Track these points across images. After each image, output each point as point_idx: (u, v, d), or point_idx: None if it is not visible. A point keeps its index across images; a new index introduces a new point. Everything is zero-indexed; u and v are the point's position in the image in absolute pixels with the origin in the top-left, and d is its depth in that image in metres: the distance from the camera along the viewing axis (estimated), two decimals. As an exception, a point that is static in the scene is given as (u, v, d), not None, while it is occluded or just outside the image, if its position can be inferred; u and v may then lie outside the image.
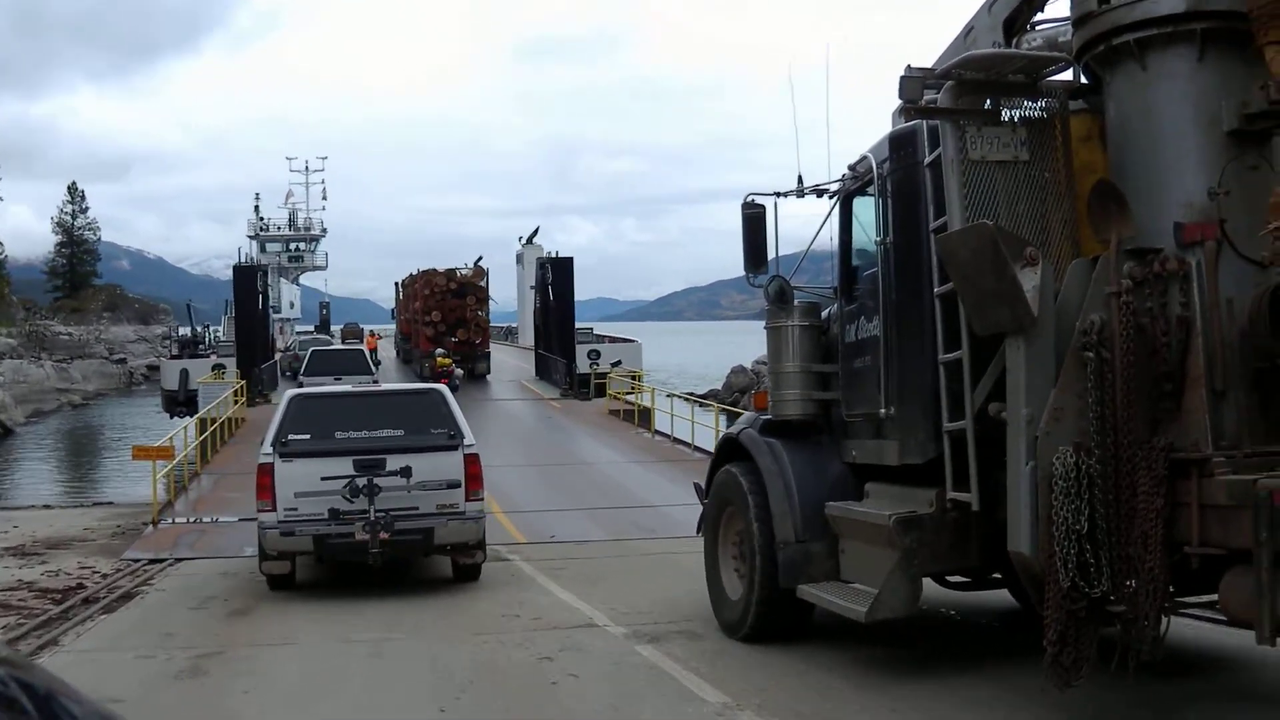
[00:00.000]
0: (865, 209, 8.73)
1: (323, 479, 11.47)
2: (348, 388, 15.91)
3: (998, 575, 8.74)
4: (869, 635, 8.49)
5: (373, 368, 34.94)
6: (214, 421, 25.81)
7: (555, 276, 43.03)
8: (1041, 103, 7.43)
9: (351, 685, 8.36)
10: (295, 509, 11.54)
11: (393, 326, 67.14)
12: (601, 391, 35.15)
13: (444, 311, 44.22)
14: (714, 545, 9.88)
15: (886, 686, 7.83)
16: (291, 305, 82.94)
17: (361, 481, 11.43)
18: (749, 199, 9.46)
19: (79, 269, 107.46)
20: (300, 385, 29.06)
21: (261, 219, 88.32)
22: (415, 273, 51.79)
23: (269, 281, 54.06)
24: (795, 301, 9.39)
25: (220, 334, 54.84)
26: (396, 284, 63.70)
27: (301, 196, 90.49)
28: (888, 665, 8.38)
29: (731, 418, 20.03)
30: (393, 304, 68.64)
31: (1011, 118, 7.36)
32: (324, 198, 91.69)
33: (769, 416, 9.42)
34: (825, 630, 9.01)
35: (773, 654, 8.74)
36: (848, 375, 8.85)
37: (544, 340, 44.12)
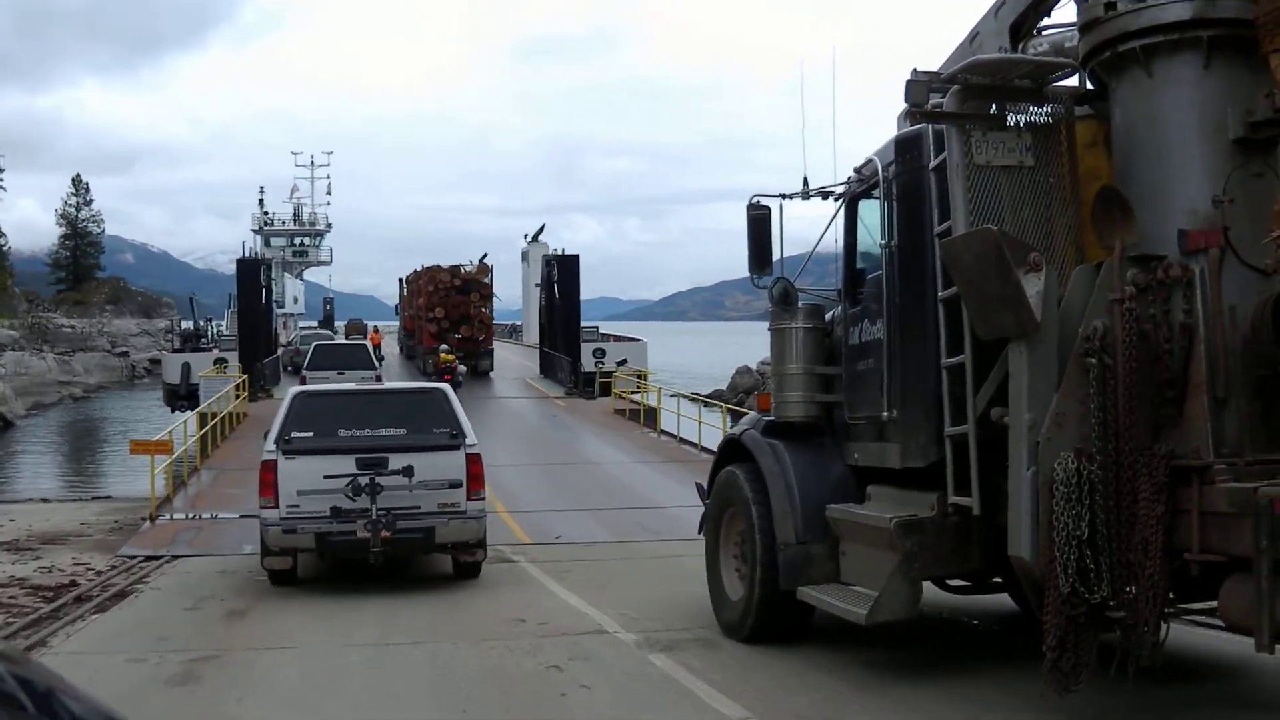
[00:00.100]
0: (870, 212, 8.74)
1: (325, 477, 11.50)
2: (351, 386, 15.91)
3: (998, 579, 8.74)
4: (879, 639, 8.48)
5: (375, 362, 34.98)
6: (214, 416, 25.69)
7: (561, 273, 42.89)
8: (1047, 108, 7.45)
9: (352, 696, 7.99)
10: (298, 506, 11.57)
11: (397, 323, 67.12)
12: (607, 390, 35.00)
13: (448, 308, 44.22)
14: (715, 546, 9.88)
15: (891, 689, 7.81)
16: (295, 300, 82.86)
17: (364, 480, 11.45)
18: (754, 200, 9.47)
19: (82, 262, 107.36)
20: (303, 379, 29.10)
21: (266, 213, 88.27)
22: (419, 269, 51.78)
23: (273, 276, 54.03)
24: (799, 303, 9.41)
25: (223, 328, 54.85)
26: (401, 280, 63.72)
27: (306, 191, 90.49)
28: (888, 668, 8.37)
29: (738, 418, 19.96)
30: (397, 300, 68.62)
31: (1017, 123, 7.38)
32: (328, 193, 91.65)
33: (771, 418, 9.43)
34: (842, 635, 8.79)
35: (790, 662, 8.49)
36: (851, 378, 8.85)
37: (549, 338, 44.08)
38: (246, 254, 60.79)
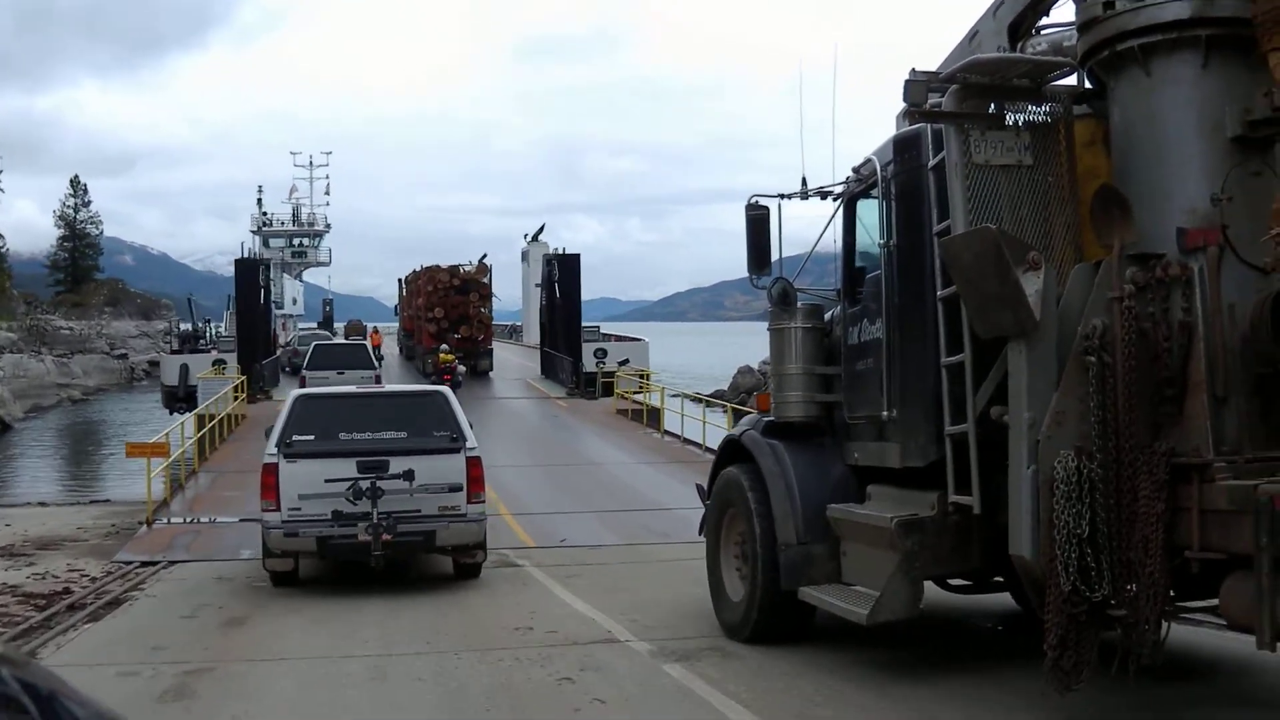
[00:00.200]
0: (869, 211, 8.74)
1: (326, 480, 11.53)
2: (352, 388, 15.88)
3: (999, 578, 8.75)
4: (885, 640, 8.47)
5: (375, 362, 34.98)
6: (213, 418, 25.52)
7: (562, 273, 42.73)
8: (1046, 107, 7.45)
9: (355, 712, 7.60)
10: (299, 509, 11.59)
11: (397, 324, 67.12)
12: (609, 390, 34.93)
13: (447, 308, 44.21)
14: (716, 546, 9.88)
15: (889, 689, 7.82)
16: (294, 301, 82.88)
17: (365, 484, 11.49)
18: (753, 200, 9.47)
19: (81, 263, 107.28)
20: (303, 379, 29.08)
21: (265, 213, 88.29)
22: (419, 269, 51.78)
23: (272, 277, 54.03)
24: (798, 303, 9.41)
25: (222, 329, 54.82)
26: (400, 280, 63.74)
27: (305, 191, 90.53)
28: (888, 668, 8.38)
29: (741, 418, 19.87)
30: (396, 301, 68.63)
31: (1016, 122, 7.38)
32: (327, 193, 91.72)
33: (771, 418, 9.44)
34: (844, 635, 8.68)
35: (805, 669, 8.31)
36: (850, 377, 8.86)
37: (549, 338, 43.99)
38: (245, 255, 60.83)
